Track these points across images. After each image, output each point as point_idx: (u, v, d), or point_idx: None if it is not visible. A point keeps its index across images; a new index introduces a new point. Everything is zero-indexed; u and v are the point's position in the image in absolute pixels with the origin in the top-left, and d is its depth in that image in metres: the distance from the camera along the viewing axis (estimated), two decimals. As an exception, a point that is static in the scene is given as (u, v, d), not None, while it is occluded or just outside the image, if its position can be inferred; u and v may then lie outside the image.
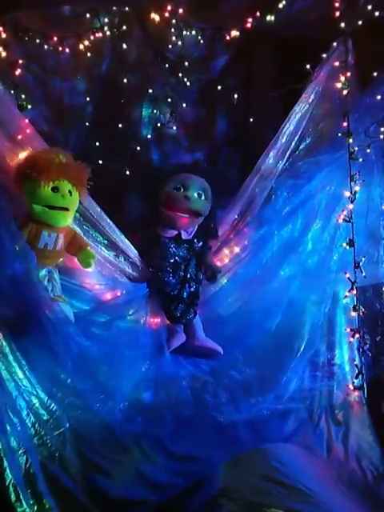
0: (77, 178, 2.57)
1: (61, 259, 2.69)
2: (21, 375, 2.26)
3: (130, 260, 2.97)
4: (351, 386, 2.73)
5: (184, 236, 3.06)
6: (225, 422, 2.51)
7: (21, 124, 2.65)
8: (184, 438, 2.42)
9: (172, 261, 3.03)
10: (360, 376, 2.70)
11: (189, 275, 3.05)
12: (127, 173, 3.39)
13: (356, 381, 2.72)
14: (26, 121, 2.69)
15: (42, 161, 2.46)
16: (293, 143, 3.05)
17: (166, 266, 3.02)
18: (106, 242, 2.88)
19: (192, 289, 3.06)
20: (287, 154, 3.07)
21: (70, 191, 2.54)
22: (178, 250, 3.05)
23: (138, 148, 3.48)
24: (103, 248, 2.87)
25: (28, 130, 2.66)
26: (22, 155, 2.59)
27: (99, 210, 2.84)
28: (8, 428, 2.10)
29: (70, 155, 2.60)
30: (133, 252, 2.97)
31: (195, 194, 3.00)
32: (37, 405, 2.26)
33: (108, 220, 2.85)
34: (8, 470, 2.00)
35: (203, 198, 3.03)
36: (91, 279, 2.84)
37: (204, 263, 3.13)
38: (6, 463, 2.01)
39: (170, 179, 3.05)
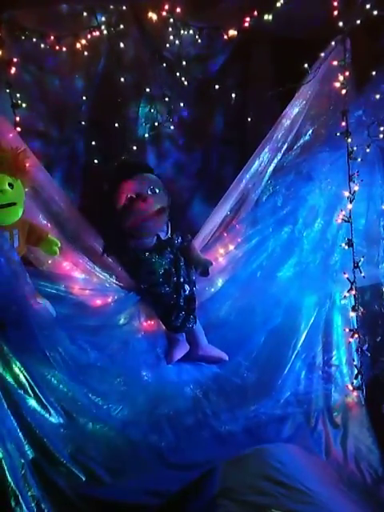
0: (13, 167, 2.37)
1: (22, 254, 2.53)
2: (21, 379, 2.23)
3: (116, 271, 2.90)
4: (350, 387, 2.72)
5: (163, 236, 2.90)
6: (223, 432, 2.50)
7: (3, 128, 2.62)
8: (183, 447, 2.41)
9: (162, 272, 2.87)
10: (359, 376, 2.70)
11: (181, 279, 2.90)
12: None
13: (355, 381, 2.71)
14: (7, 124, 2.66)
15: None
16: (289, 139, 3.01)
17: (158, 278, 2.86)
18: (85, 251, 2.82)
19: (187, 292, 2.90)
20: (283, 149, 3.02)
21: (9, 184, 2.35)
22: (162, 258, 2.88)
23: (135, 147, 3.46)
24: (88, 260, 2.82)
25: (11, 135, 2.62)
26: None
27: (81, 220, 2.80)
28: (5, 433, 2.08)
29: (6, 145, 2.43)
30: (118, 268, 2.90)
31: (149, 192, 2.80)
32: (36, 409, 2.24)
33: (92, 232, 2.82)
34: (8, 475, 1.98)
35: (158, 191, 2.83)
36: (79, 284, 2.76)
37: (191, 259, 2.97)
38: (5, 468, 2.00)
39: (116, 194, 2.82)
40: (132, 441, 2.36)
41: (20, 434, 2.11)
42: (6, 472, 1.97)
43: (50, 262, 2.71)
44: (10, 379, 2.19)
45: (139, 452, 2.35)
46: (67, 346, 2.41)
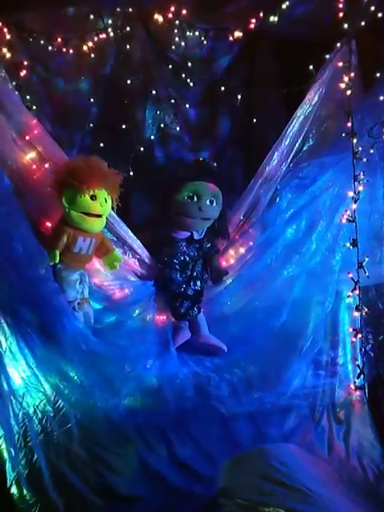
0: (113, 186, 2.67)
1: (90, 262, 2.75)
2: (28, 372, 2.30)
3: (137, 257, 2.99)
4: (353, 386, 2.73)
5: (196, 237, 3.08)
6: (226, 414, 2.52)
7: (30, 124, 2.68)
8: (187, 429, 2.43)
9: (182, 259, 3.06)
10: (362, 376, 2.70)
11: (195, 273, 3.09)
12: (131, 173, 3.41)
13: (357, 380, 2.72)
14: (35, 121, 2.71)
15: (83, 170, 2.54)
16: (297, 144, 3.04)
17: (175, 264, 3.05)
18: (114, 238, 2.89)
19: (197, 287, 3.09)
20: (291, 155, 3.06)
21: (105, 199, 2.63)
22: (188, 249, 3.08)
23: (142, 149, 3.50)
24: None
25: (36, 131, 2.68)
26: (30, 156, 2.62)
27: None
28: (14, 425, 2.15)
29: (105, 164, 2.67)
30: (140, 248, 2.99)
31: (207, 202, 2.99)
32: (44, 401, 2.29)
33: (115, 216, 2.87)
34: (11, 467, 2.03)
35: (215, 204, 3.02)
36: (100, 278, 2.85)
37: (211, 265, 3.15)
38: (8, 461, 2.05)
39: (182, 186, 3.02)
40: (137, 424, 2.38)
41: (29, 425, 2.16)
42: (10, 466, 2.02)
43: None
44: (20, 371, 2.26)
45: (143, 432, 2.36)
46: (87, 338, 2.50)
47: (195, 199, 2.97)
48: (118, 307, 2.86)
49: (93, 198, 2.57)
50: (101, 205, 2.60)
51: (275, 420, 2.56)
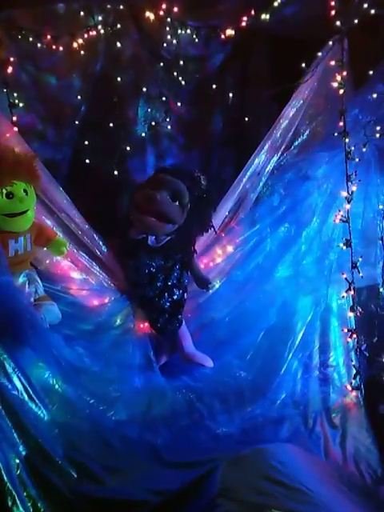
0: (28, 174, 2.38)
1: (34, 256, 2.59)
2: (15, 380, 2.21)
3: (111, 272, 2.89)
4: (349, 387, 2.72)
5: (150, 242, 2.82)
6: (219, 433, 2.49)
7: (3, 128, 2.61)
8: (180, 446, 2.39)
9: (147, 272, 2.82)
10: (358, 376, 2.70)
11: (170, 283, 2.86)
12: (115, 173, 3.37)
13: (354, 381, 2.71)
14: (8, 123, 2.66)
15: None
16: (287, 139, 3.00)
17: (141, 279, 2.82)
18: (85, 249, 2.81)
19: (175, 296, 2.87)
20: (281, 149, 3.01)
21: (25, 190, 2.36)
22: (151, 259, 2.83)
23: (128, 148, 3.46)
24: (84, 254, 2.81)
25: (8, 135, 2.60)
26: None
27: (81, 219, 2.80)
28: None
29: (12, 149, 2.42)
30: (114, 263, 2.89)
31: (166, 196, 2.70)
32: (30, 409, 2.22)
33: (91, 231, 2.80)
34: (3, 474, 1.98)
35: (176, 202, 2.72)
36: (77, 284, 2.76)
37: (192, 273, 2.96)
38: (1, 468, 1.99)
39: (145, 180, 2.87)
40: (127, 439, 2.35)
41: (14, 434, 2.10)
42: (2, 472, 1.96)
43: (47, 261, 2.71)
44: (3, 380, 2.18)
45: (135, 450, 2.34)
46: (61, 348, 2.41)
47: (151, 190, 2.72)
48: (96, 315, 2.74)
49: (9, 196, 2.30)
50: (20, 200, 2.33)
51: (268, 432, 2.53)
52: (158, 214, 2.72)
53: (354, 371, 2.71)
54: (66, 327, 2.54)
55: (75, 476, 2.14)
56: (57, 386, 2.34)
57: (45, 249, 2.65)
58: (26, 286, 2.45)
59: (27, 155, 2.42)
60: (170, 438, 2.42)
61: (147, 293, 2.84)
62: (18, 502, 1.94)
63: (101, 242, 2.87)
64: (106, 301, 2.81)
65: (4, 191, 2.29)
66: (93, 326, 2.69)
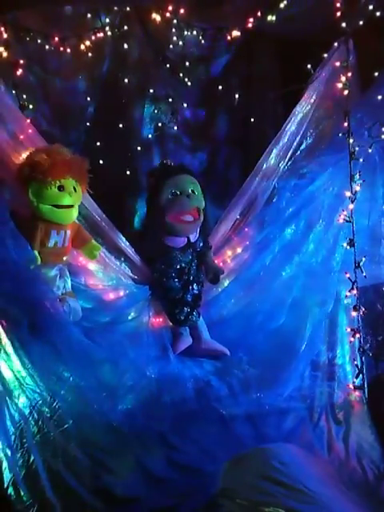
0: (79, 173, 2.60)
1: (68, 253, 2.70)
2: (24, 373, 2.27)
3: (131, 263, 2.97)
4: (352, 386, 2.73)
5: (192, 239, 3.02)
6: (225, 415, 2.52)
7: (23, 124, 2.67)
8: (185, 431, 2.43)
9: (177, 267, 3.00)
10: (360, 376, 2.70)
11: (191, 278, 3.03)
12: (127, 173, 3.40)
13: (356, 380, 2.72)
14: (28, 121, 2.71)
15: (44, 161, 2.46)
16: (295, 142, 3.03)
17: (171, 272, 2.99)
18: (102, 242, 2.86)
19: (195, 291, 3.04)
20: (289, 153, 3.05)
21: (74, 187, 2.56)
22: (183, 256, 3.01)
23: (139, 148, 3.49)
24: (105, 249, 2.87)
25: (30, 130, 2.67)
26: (23, 155, 2.58)
27: (100, 211, 2.86)
28: (10, 426, 2.13)
29: (69, 150, 2.61)
30: (135, 255, 2.97)
31: (190, 191, 2.94)
32: (40, 402, 2.27)
33: (111, 223, 2.87)
34: (7, 469, 2.02)
35: (196, 192, 2.97)
36: (95, 278, 2.84)
37: (205, 264, 3.10)
38: (4, 462, 2.04)
39: (161, 186, 2.95)
40: (135, 427, 2.37)
41: (25, 427, 2.15)
42: (7, 467, 2.00)
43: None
44: (15, 372, 2.24)
45: (142, 436, 2.36)
46: (80, 342, 2.48)
47: (179, 193, 2.92)
48: (112, 308, 2.83)
49: (60, 188, 2.50)
50: (70, 194, 2.52)
51: (273, 421, 2.55)
52: (196, 211, 2.96)
53: (357, 371, 2.72)
54: (84, 320, 2.63)
55: (86, 468, 2.16)
56: (71, 379, 2.39)
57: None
58: (57, 279, 2.57)
59: (79, 158, 2.62)
60: (176, 423, 2.45)
61: (175, 284, 2.99)
62: (22, 495, 1.97)
63: (120, 235, 2.93)
64: (121, 294, 2.88)
65: (57, 183, 2.48)
66: (109, 318, 2.77)
